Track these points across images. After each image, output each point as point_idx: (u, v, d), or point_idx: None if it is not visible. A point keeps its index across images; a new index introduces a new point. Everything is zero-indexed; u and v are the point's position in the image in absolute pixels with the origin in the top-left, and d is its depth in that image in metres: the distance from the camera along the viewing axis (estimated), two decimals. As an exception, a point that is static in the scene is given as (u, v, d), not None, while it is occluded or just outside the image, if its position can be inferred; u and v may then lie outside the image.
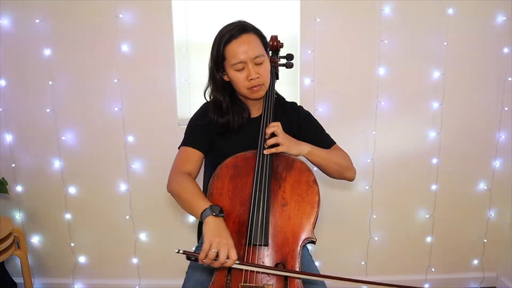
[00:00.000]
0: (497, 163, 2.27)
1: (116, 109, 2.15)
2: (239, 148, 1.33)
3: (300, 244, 1.19)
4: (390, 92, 2.16)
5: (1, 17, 2.06)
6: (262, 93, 1.37)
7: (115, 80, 2.12)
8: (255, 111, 1.46)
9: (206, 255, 1.06)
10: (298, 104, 1.54)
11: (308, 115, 1.50)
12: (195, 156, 1.38)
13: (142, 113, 2.17)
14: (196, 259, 1.07)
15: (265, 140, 1.30)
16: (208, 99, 1.46)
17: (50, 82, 2.13)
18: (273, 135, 1.29)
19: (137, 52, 2.10)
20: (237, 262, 1.08)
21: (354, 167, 1.41)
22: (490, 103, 2.20)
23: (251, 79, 1.32)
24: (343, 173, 1.39)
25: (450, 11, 2.08)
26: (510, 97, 2.18)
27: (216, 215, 1.13)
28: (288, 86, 2.19)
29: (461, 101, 2.19)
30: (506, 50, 2.14)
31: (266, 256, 1.18)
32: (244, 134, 1.41)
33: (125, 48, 2.09)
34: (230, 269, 1.17)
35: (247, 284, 1.13)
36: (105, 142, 2.20)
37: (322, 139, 1.43)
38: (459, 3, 2.08)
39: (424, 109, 2.20)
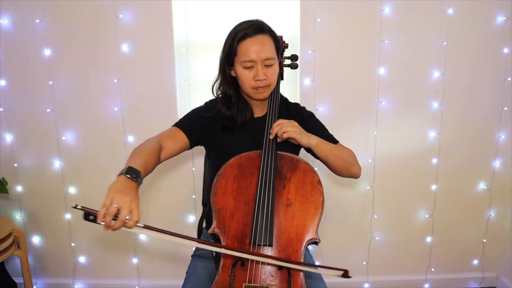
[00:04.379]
0: (497, 163, 2.27)
1: (116, 109, 2.15)
2: (241, 145, 1.34)
3: (304, 244, 1.20)
4: (390, 92, 2.17)
5: (1, 17, 2.05)
6: (266, 94, 1.37)
7: (115, 80, 2.12)
8: (259, 111, 1.46)
9: (106, 212, 0.97)
10: (300, 105, 1.54)
11: (311, 115, 1.51)
12: (180, 138, 1.37)
13: (142, 113, 2.17)
14: (95, 218, 0.97)
15: (269, 139, 1.31)
16: (215, 93, 1.46)
17: (50, 82, 2.12)
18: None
19: (137, 52, 2.10)
20: (141, 225, 1.00)
21: (359, 164, 1.43)
22: (490, 103, 2.20)
23: (257, 80, 1.32)
24: (350, 168, 1.40)
25: (450, 11, 2.08)
26: (510, 97, 2.18)
27: (129, 178, 1.07)
28: (288, 86, 2.19)
29: (461, 101, 2.19)
30: (506, 50, 2.14)
31: None
32: (247, 132, 1.42)
33: (125, 48, 2.09)
34: (233, 268, 1.17)
35: (251, 284, 1.13)
36: (105, 142, 2.20)
37: (327, 138, 1.44)
38: (459, 3, 2.08)
39: (424, 109, 2.20)
